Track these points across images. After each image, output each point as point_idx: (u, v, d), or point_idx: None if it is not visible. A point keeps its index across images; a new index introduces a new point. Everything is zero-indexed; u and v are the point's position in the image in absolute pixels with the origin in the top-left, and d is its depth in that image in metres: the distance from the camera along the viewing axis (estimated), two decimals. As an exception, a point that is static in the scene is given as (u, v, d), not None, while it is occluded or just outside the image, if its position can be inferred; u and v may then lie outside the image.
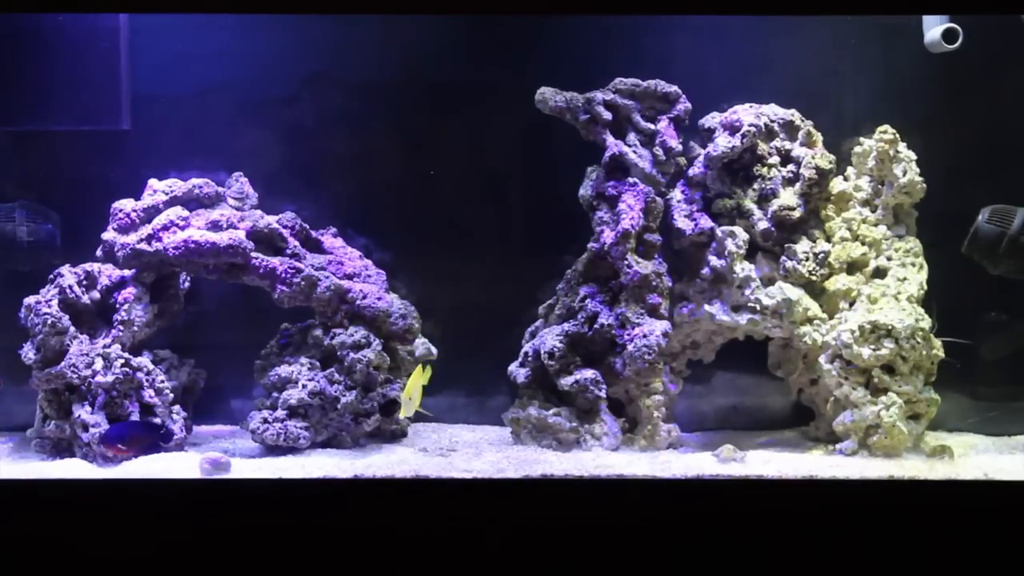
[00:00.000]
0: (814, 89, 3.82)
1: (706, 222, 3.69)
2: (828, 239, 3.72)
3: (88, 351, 3.45)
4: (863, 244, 3.71)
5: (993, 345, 3.88)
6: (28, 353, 3.46)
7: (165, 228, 3.55)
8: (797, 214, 3.68)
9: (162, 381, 3.51)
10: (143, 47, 3.72)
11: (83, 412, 3.39)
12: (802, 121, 3.74)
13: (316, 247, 3.74)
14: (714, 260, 3.68)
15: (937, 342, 3.56)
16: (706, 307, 3.69)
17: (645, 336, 3.55)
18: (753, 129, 3.67)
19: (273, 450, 3.47)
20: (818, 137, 3.73)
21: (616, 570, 2.98)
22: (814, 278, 3.67)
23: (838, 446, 3.54)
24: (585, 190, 3.72)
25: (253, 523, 2.98)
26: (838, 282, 3.68)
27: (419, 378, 3.31)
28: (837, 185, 3.76)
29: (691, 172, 3.73)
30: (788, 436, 3.84)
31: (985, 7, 3.50)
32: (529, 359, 3.68)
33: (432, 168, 3.90)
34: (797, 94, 3.77)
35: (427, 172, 3.89)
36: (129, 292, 3.57)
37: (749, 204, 3.70)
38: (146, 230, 3.55)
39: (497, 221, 3.97)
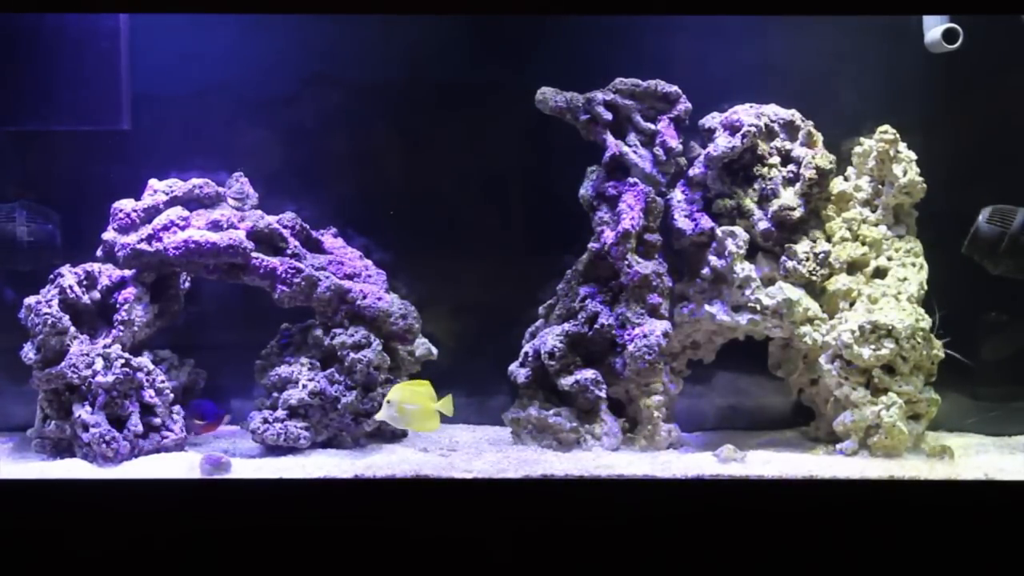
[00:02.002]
0: (814, 89, 3.81)
1: (706, 222, 3.68)
2: (828, 239, 3.72)
3: (88, 351, 3.45)
4: (863, 244, 3.71)
5: (993, 345, 3.88)
6: (28, 353, 3.46)
7: (165, 228, 3.55)
8: (797, 214, 3.67)
9: (162, 381, 3.51)
10: (143, 47, 3.71)
11: (83, 412, 3.38)
12: (802, 121, 3.73)
13: (316, 247, 3.73)
14: (714, 260, 3.67)
15: (937, 342, 3.56)
16: (706, 307, 3.69)
17: (645, 336, 3.55)
18: (753, 129, 3.67)
19: (273, 450, 3.47)
20: (818, 137, 3.73)
21: (616, 570, 2.98)
22: (814, 278, 3.67)
23: (838, 446, 3.54)
24: (585, 190, 3.72)
25: (253, 523, 2.98)
26: (838, 282, 3.67)
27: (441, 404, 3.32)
28: (837, 185, 3.76)
29: (691, 172, 3.73)
30: (788, 436, 3.83)
31: (985, 7, 3.49)
32: (529, 359, 3.68)
33: (432, 170, 3.91)
34: (797, 94, 3.77)
35: (425, 178, 3.90)
36: (129, 292, 3.57)
37: (749, 204, 3.70)
38: (146, 230, 3.55)
39: (497, 221, 3.97)
